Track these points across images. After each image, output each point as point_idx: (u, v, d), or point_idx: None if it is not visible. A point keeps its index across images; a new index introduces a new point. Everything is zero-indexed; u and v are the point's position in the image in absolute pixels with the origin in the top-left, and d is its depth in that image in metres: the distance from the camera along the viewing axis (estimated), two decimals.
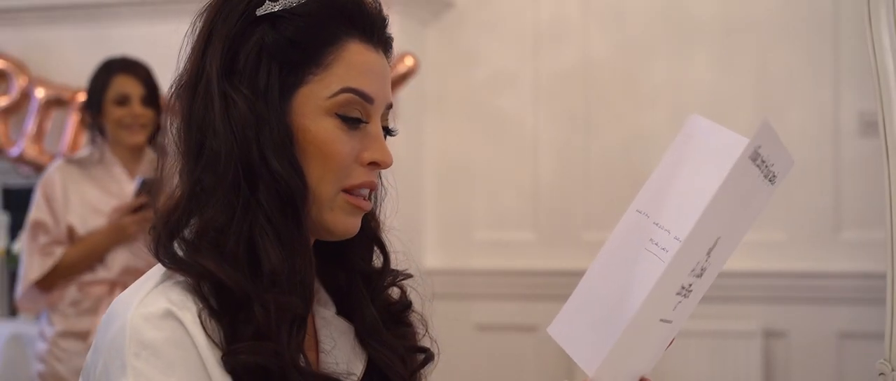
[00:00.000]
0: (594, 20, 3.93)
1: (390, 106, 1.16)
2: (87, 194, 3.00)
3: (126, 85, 3.03)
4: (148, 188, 2.93)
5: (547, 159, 3.98)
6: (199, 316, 1.05)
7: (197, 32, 1.15)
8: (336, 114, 1.10)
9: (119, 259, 2.99)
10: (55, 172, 3.02)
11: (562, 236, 3.95)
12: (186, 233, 1.09)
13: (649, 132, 3.86)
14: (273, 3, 1.10)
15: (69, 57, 3.96)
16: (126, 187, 2.99)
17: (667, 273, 1.06)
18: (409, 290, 1.26)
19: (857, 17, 3.41)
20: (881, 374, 1.66)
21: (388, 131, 1.16)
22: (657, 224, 1.16)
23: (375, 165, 1.13)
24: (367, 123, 1.12)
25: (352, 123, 1.11)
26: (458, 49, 4.01)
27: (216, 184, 1.08)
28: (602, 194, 3.90)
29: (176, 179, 1.13)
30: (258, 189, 1.08)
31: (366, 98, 1.11)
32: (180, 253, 1.08)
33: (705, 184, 1.12)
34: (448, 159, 4.06)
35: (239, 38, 1.10)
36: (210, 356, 1.04)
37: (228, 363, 1.04)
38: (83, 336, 2.93)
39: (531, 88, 3.99)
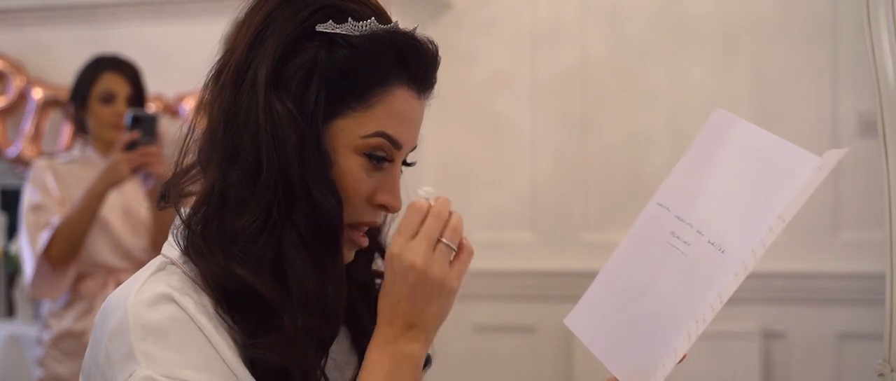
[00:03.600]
0: (592, 21, 3.92)
1: (415, 147, 1.17)
2: (72, 190, 2.99)
3: (113, 83, 3.01)
4: (142, 125, 2.87)
5: (545, 160, 3.98)
6: (215, 309, 1.04)
7: (248, 22, 1.12)
8: (364, 153, 1.10)
9: (107, 250, 2.96)
10: (44, 164, 3.02)
11: (560, 236, 3.94)
12: (214, 230, 1.08)
13: (647, 132, 3.85)
14: (336, 25, 1.09)
15: (67, 57, 3.95)
16: None
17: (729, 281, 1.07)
18: None
19: (855, 17, 3.40)
20: (880, 375, 1.65)
21: (407, 164, 1.17)
22: (679, 218, 1.16)
23: (384, 208, 1.13)
24: (391, 161, 1.12)
25: (376, 161, 1.11)
26: (456, 50, 4.00)
27: (251, 193, 1.07)
28: (600, 195, 3.90)
29: (195, 159, 1.12)
30: (294, 210, 1.07)
31: (396, 145, 1.11)
32: (211, 252, 1.07)
33: (731, 180, 1.12)
34: (446, 160, 4.06)
35: (292, 47, 1.08)
36: (218, 338, 1.03)
37: (250, 352, 1.04)
38: (80, 336, 2.91)
39: (529, 88, 3.99)
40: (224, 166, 1.08)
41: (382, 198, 1.12)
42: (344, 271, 1.11)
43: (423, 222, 1.10)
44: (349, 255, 1.14)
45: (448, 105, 4.04)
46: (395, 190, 1.13)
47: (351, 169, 1.10)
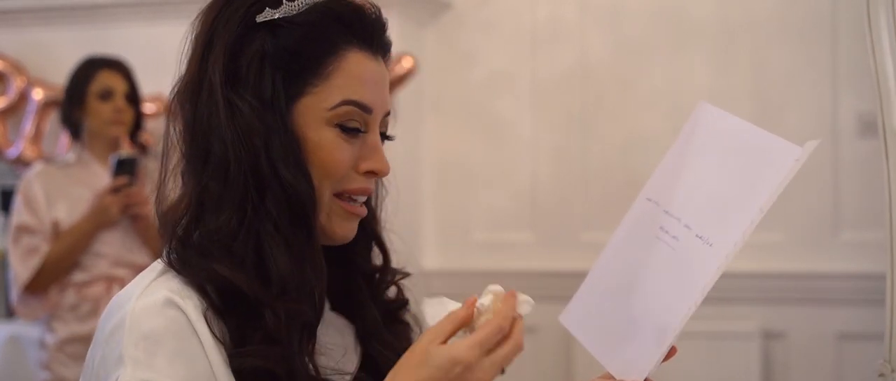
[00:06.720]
0: (592, 21, 3.92)
1: (389, 113, 1.17)
2: (71, 191, 3.00)
3: (110, 80, 3.04)
4: (126, 168, 2.92)
5: (545, 160, 3.98)
6: (205, 314, 1.05)
7: (197, 36, 1.15)
8: (336, 124, 1.11)
9: (111, 251, 2.97)
10: (34, 176, 3.02)
11: (560, 236, 3.94)
12: (195, 237, 1.10)
13: (647, 133, 3.85)
14: (273, 11, 1.11)
15: (67, 57, 3.94)
16: (107, 182, 2.98)
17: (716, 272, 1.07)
18: (404, 289, 1.27)
19: (855, 17, 3.40)
20: (881, 375, 1.66)
21: (386, 137, 1.17)
22: (667, 212, 1.16)
23: (372, 174, 1.14)
24: (365, 132, 1.13)
25: (351, 132, 1.12)
26: (456, 50, 4.01)
27: (224, 191, 1.09)
28: (600, 195, 3.90)
29: (178, 180, 1.14)
30: (267, 198, 1.08)
31: (365, 109, 1.12)
32: (191, 257, 1.08)
33: (716, 173, 1.13)
34: (446, 160, 4.06)
35: (238, 44, 1.11)
36: (213, 348, 1.05)
37: (235, 362, 1.05)
38: (85, 339, 2.91)
39: (529, 89, 3.99)
40: (198, 175, 1.10)
41: (367, 165, 1.13)
42: (321, 251, 1.12)
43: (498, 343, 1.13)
44: (352, 226, 1.15)
45: (448, 105, 4.04)
46: (378, 155, 1.14)
47: (327, 141, 1.11)
